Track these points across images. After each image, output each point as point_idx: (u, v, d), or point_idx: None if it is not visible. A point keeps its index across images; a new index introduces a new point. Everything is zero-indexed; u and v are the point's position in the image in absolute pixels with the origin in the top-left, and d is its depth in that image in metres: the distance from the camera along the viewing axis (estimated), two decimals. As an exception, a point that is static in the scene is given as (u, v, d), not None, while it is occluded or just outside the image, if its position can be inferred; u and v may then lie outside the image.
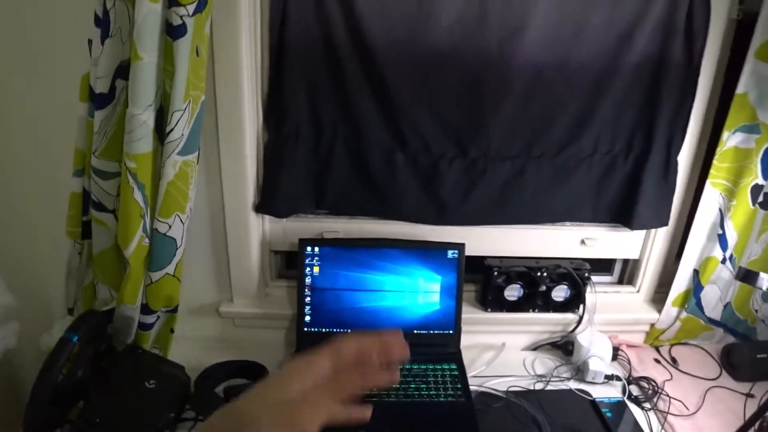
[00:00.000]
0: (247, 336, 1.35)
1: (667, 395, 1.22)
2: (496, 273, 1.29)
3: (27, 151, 1.18)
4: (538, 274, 1.29)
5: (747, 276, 1.05)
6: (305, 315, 1.24)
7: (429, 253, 1.23)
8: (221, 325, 1.36)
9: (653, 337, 1.40)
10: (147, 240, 1.06)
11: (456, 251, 1.23)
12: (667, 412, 1.18)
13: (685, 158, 1.26)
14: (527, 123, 1.21)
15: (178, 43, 0.91)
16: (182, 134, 0.99)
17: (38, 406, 0.93)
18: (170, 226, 1.06)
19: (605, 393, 1.23)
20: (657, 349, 1.40)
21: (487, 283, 1.31)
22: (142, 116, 0.94)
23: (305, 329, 1.25)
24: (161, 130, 0.99)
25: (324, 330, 1.25)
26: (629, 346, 1.38)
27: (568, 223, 1.33)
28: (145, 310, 1.14)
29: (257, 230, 1.25)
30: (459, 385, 1.15)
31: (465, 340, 1.27)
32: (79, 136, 1.01)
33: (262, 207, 1.22)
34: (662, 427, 1.15)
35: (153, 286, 1.11)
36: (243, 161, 1.16)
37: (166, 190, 1.02)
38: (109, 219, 1.06)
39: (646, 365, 1.32)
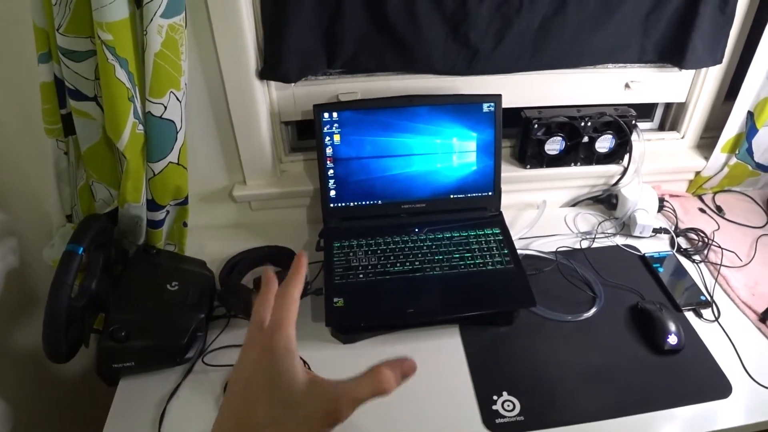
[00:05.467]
0: (266, 219, 1.24)
1: (718, 246, 1.15)
2: (536, 125, 1.17)
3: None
4: (582, 124, 1.17)
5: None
6: (330, 190, 1.12)
7: (462, 108, 1.09)
8: (237, 211, 1.24)
9: (696, 186, 1.31)
10: (141, 127, 0.90)
11: (492, 104, 1.09)
12: (720, 264, 1.11)
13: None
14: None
15: None
16: None
17: (55, 330, 0.84)
18: (166, 107, 0.90)
19: (653, 247, 1.17)
20: (700, 198, 1.32)
21: (526, 137, 1.19)
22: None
23: (331, 205, 1.13)
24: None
25: (352, 204, 1.13)
26: (672, 196, 1.30)
27: (610, 66, 1.19)
28: (152, 206, 1.01)
29: (264, 100, 1.09)
30: (505, 250, 1.06)
31: (502, 201, 1.17)
32: (35, 10, 0.81)
33: (268, 72, 1.05)
34: (716, 280, 1.09)
35: (157, 178, 0.97)
36: (238, 19, 0.97)
37: (154, 63, 0.84)
38: (91, 108, 0.89)
39: (691, 216, 1.25)
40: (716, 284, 1.08)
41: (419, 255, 1.06)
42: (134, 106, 0.87)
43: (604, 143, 1.20)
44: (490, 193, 1.15)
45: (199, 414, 0.86)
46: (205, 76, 1.04)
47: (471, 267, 1.04)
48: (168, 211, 1.06)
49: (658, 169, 1.27)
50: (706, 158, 1.26)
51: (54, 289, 0.84)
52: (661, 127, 1.35)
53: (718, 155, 1.24)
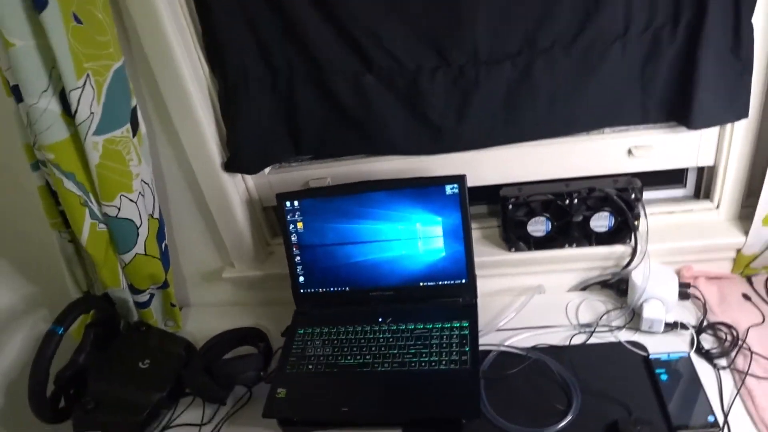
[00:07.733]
0: (260, 298, 1.29)
1: (748, 348, 0.91)
2: (511, 206, 1.05)
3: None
4: (567, 201, 1.02)
5: None
6: (298, 276, 1.12)
7: (423, 192, 1.02)
8: (232, 290, 1.30)
9: (742, 265, 1.06)
10: (102, 225, 1.01)
11: (455, 185, 1.00)
12: (746, 372, 0.88)
13: (763, 18, 0.87)
14: (522, 6, 0.91)
15: (43, 17, 0.81)
16: (92, 112, 0.91)
17: (36, 398, 0.97)
18: (119, 209, 1.00)
19: (668, 346, 0.96)
20: (749, 279, 1.06)
21: (505, 218, 1.07)
22: (40, 104, 0.88)
23: (301, 291, 1.13)
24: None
25: (321, 290, 1.12)
26: (710, 278, 1.06)
27: (608, 130, 1.03)
28: (133, 290, 1.12)
29: (236, 190, 1.14)
30: (466, 348, 0.96)
31: (494, 285, 1.09)
32: (20, 130, 0.96)
33: (230, 164, 1.10)
34: (738, 393, 0.87)
35: (129, 267, 1.07)
36: (195, 119, 1.03)
37: (98, 174, 0.95)
38: None
39: (729, 304, 1.01)
40: (735, 399, 0.86)
41: (373, 348, 1.01)
42: (90, 209, 0.98)
43: (602, 222, 1.03)
44: (463, 281, 1.05)
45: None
46: (181, 171, 1.13)
47: (423, 365, 0.96)
48: (152, 294, 1.16)
49: (689, 247, 1.05)
50: (747, 232, 1.01)
51: (34, 364, 0.96)
52: (696, 195, 1.11)
53: (760, 229, 0.98)
